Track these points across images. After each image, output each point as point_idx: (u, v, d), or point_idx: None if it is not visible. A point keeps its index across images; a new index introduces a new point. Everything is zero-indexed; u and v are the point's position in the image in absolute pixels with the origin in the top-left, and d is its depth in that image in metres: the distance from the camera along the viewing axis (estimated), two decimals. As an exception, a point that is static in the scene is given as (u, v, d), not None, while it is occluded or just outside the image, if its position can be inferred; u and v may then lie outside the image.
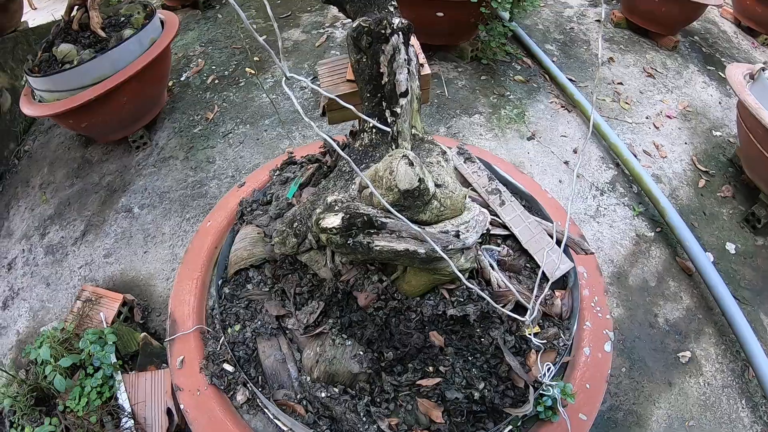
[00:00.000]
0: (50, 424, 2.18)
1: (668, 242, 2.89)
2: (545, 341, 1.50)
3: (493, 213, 1.77)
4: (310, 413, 1.45)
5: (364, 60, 1.40)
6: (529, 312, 1.24)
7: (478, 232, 1.35)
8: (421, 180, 1.21)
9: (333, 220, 1.26)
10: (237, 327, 1.65)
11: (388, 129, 1.41)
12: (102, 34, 3.11)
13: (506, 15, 3.65)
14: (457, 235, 1.29)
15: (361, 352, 1.46)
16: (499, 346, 1.43)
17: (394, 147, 1.43)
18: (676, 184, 3.24)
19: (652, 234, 2.94)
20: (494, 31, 3.59)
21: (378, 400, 1.44)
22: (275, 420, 1.51)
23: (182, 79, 4.02)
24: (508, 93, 3.72)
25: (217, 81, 3.98)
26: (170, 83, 3.94)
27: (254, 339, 1.62)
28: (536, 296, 1.50)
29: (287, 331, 1.60)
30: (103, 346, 2.42)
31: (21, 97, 3.18)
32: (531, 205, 1.90)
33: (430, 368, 1.43)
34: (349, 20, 1.56)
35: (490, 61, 3.87)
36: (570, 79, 3.77)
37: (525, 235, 1.69)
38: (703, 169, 3.35)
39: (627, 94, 3.87)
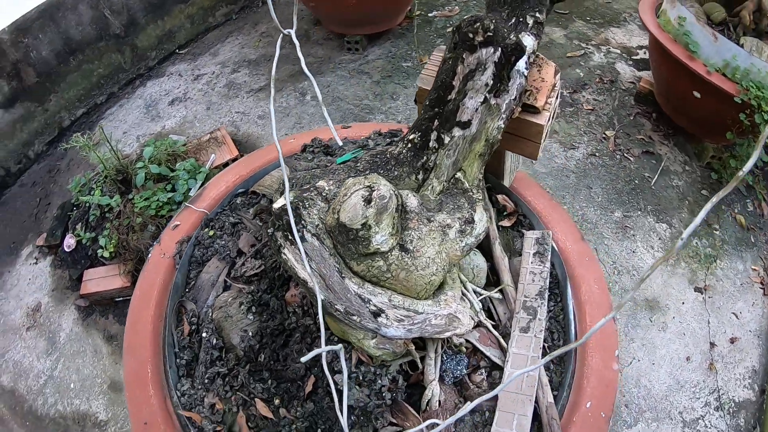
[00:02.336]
0: (113, 200, 2.58)
1: None
2: None
3: (503, 335, 1.34)
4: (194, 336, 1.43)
5: (448, 62, 1.11)
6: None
7: (417, 333, 1.01)
8: (365, 225, 0.94)
9: (279, 202, 1.08)
10: (211, 232, 1.64)
11: (422, 157, 1.11)
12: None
13: None
14: (375, 315, 0.99)
15: (250, 334, 1.30)
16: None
17: (416, 177, 1.14)
18: None
19: None
20: (742, 149, 2.64)
21: (226, 379, 1.31)
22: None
23: (430, 15, 3.99)
24: (716, 226, 2.78)
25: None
26: (417, 12, 3.94)
27: (214, 250, 1.59)
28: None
29: (234, 267, 1.52)
30: (191, 178, 2.71)
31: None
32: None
33: (277, 401, 1.21)
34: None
35: (721, 179, 2.93)
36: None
37: (513, 384, 1.25)
38: None
39: None
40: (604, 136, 3.24)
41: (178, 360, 1.41)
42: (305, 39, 3.98)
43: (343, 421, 0.83)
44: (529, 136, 1.30)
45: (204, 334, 1.40)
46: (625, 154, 3.12)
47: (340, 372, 1.19)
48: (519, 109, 1.18)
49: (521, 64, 1.11)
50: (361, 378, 1.12)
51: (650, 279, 2.54)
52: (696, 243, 2.70)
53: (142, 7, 3.52)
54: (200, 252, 1.60)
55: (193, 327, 1.44)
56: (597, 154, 3.09)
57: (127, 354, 1.43)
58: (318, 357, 1.25)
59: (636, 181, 2.96)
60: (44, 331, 2.54)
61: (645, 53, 3.77)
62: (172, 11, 3.73)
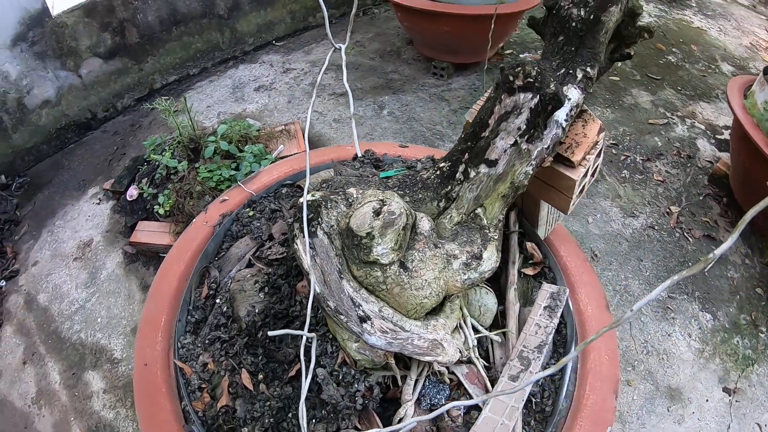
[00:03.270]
0: (180, 164, 2.80)
1: None
2: None
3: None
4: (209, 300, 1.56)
5: (489, 101, 1.17)
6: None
7: (397, 348, 1.07)
8: (369, 235, 1.01)
9: (309, 197, 1.18)
10: (251, 213, 1.77)
11: (447, 186, 1.18)
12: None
13: None
14: (362, 320, 1.05)
15: (256, 311, 1.40)
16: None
17: (438, 203, 1.20)
18: None
19: None
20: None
21: (224, 345, 1.41)
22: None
23: (521, 55, 4.03)
24: (763, 328, 2.59)
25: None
26: (508, 51, 4.00)
27: (249, 230, 1.72)
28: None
29: (261, 248, 1.64)
30: (256, 162, 2.90)
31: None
32: None
33: (261, 376, 1.29)
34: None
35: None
36: None
37: (485, 424, 1.26)
38: None
39: None
40: (668, 210, 3.13)
41: (189, 317, 1.54)
42: (395, 56, 4.14)
43: (302, 408, 0.90)
44: (560, 188, 1.32)
45: (218, 301, 1.52)
46: (686, 234, 3.00)
47: (325, 367, 1.27)
48: (550, 158, 1.21)
49: (560, 115, 1.14)
50: (340, 377, 1.19)
51: (678, 367, 2.42)
52: (737, 341, 2.55)
53: (249, -5, 3.82)
54: (237, 228, 1.74)
55: (211, 292, 1.56)
56: (656, 227, 3.00)
57: (149, 298, 1.58)
58: (309, 347, 1.33)
59: (690, 264, 2.84)
60: (89, 266, 2.79)
61: (729, 134, 3.62)
62: (276, 4, 4.01)
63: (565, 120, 1.20)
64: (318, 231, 1.10)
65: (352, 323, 1.05)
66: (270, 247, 1.58)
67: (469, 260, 1.12)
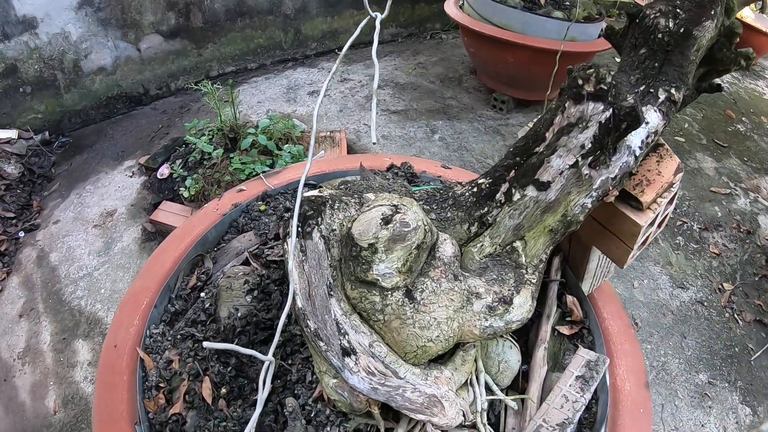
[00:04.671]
0: (215, 151, 2.65)
1: None
2: None
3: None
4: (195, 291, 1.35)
5: (549, 113, 0.91)
6: None
7: (383, 397, 0.80)
8: (371, 247, 0.76)
9: (316, 192, 0.94)
10: (262, 207, 1.56)
11: (483, 207, 0.92)
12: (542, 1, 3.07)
13: None
14: (345, 353, 0.79)
15: (238, 314, 1.16)
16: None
17: (469, 227, 0.94)
18: None
19: None
20: None
21: (195, 345, 1.18)
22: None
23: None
24: None
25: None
26: (569, 91, 3.72)
27: (256, 225, 1.51)
28: None
29: (265, 245, 1.41)
30: (292, 162, 2.72)
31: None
32: None
33: (224, 390, 1.04)
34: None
35: None
36: None
37: None
38: None
39: None
40: (720, 287, 2.74)
41: (169, 305, 1.32)
42: (456, 83, 3.93)
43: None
44: (621, 234, 1.04)
45: (202, 294, 1.30)
46: (736, 315, 2.60)
47: (298, 397, 1.01)
48: (615, 193, 0.94)
49: (634, 140, 0.88)
50: (312, 414, 0.93)
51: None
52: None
53: (317, 0, 3.71)
54: (245, 220, 1.52)
55: (199, 283, 1.35)
56: (705, 303, 2.61)
57: (138, 276, 1.38)
58: (284, 367, 1.07)
59: (736, 349, 2.44)
60: (106, 235, 2.65)
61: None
62: (343, 13, 3.89)
63: (640, 147, 0.93)
64: (314, 232, 0.86)
65: (332, 354, 0.79)
66: (272, 247, 1.35)
67: (496, 303, 0.85)
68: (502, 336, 1.01)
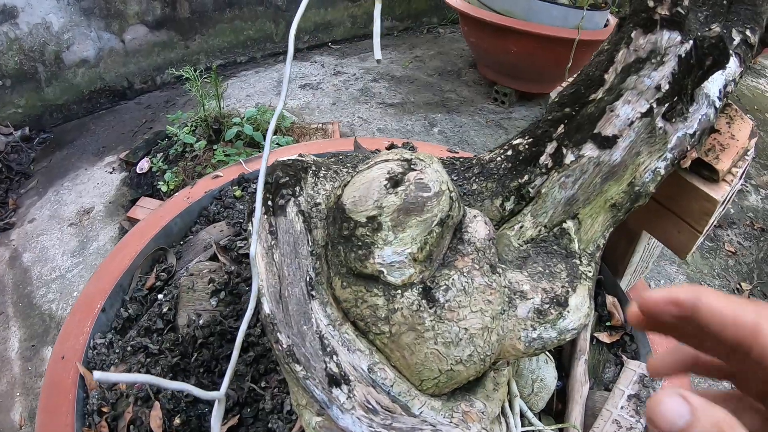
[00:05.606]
0: (198, 143, 2.38)
1: None
2: None
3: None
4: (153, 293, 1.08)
5: (605, 52, 0.65)
6: None
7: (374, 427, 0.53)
8: (372, 221, 0.49)
9: (294, 157, 0.68)
10: (238, 192, 1.29)
11: (523, 175, 0.65)
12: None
13: None
14: (333, 381, 0.52)
15: (199, 322, 0.89)
16: None
17: (502, 203, 0.67)
18: None
19: None
20: None
21: (148, 359, 0.90)
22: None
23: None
24: None
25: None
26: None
27: (230, 213, 1.23)
28: None
29: (238, 237, 1.14)
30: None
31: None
32: None
33: (178, 420, 0.77)
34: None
35: None
36: None
37: None
38: None
39: None
40: (738, 286, 2.49)
41: (122, 308, 1.04)
42: (455, 76, 3.68)
43: None
44: (688, 214, 0.77)
45: (160, 296, 1.02)
46: (756, 318, 2.35)
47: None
48: (694, 155, 0.68)
49: (712, 88, 0.62)
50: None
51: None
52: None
53: (311, -9, 3.45)
54: (216, 208, 1.25)
55: (158, 283, 1.07)
56: (725, 305, 2.36)
57: (93, 277, 1.11)
58: (256, 393, 0.80)
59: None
60: (82, 234, 2.37)
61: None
62: (337, 5, 3.64)
63: (719, 98, 0.68)
64: (289, 207, 0.59)
65: (314, 383, 0.52)
66: (246, 238, 1.08)
67: (546, 306, 0.58)
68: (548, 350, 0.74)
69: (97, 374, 0.36)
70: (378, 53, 0.47)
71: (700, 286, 0.46)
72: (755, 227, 2.85)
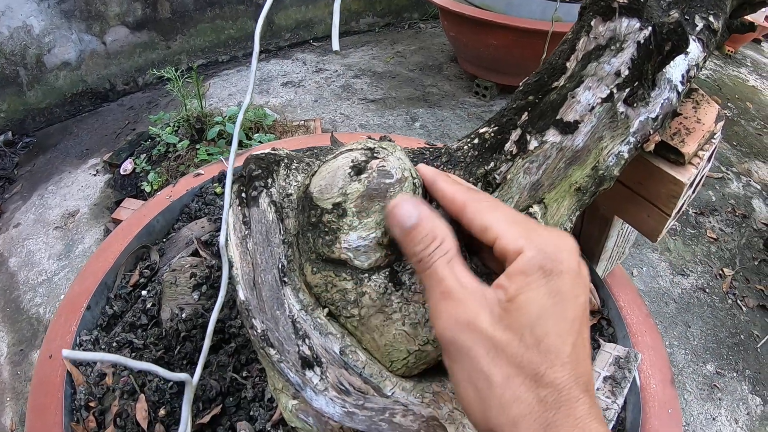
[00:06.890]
0: (181, 143, 2.38)
1: None
2: None
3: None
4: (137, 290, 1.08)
5: (567, 42, 0.68)
6: None
7: (361, 426, 0.53)
8: (337, 207, 0.51)
9: (264, 150, 0.69)
10: (218, 189, 1.30)
11: (489, 162, 0.67)
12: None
13: None
14: (306, 363, 0.54)
15: (183, 316, 0.91)
16: None
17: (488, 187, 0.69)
18: None
19: None
20: None
21: (133, 355, 0.92)
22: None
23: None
24: None
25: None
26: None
27: (212, 209, 1.25)
28: None
29: (215, 233, 1.15)
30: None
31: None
32: None
33: (163, 412, 0.78)
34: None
35: None
36: None
37: None
38: None
39: None
40: (720, 272, 2.54)
41: (107, 306, 1.05)
42: (436, 71, 3.71)
43: None
44: (656, 198, 0.80)
45: (144, 293, 1.03)
46: (738, 301, 2.40)
47: (254, 421, 0.75)
48: (657, 138, 0.71)
49: (674, 73, 0.65)
50: None
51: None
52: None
53: (291, -12, 3.46)
54: (198, 205, 1.26)
55: (142, 280, 1.08)
56: (707, 290, 2.41)
57: (78, 277, 1.11)
58: (238, 381, 0.82)
59: (741, 336, 2.25)
60: (67, 237, 2.36)
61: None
62: (318, 3, 3.64)
63: (681, 82, 0.70)
64: (261, 198, 0.60)
65: (286, 365, 0.54)
66: (229, 234, 1.09)
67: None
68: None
69: (66, 352, 0.38)
70: (336, 44, 0.49)
71: (442, 172, 0.52)
72: (737, 213, 2.92)
